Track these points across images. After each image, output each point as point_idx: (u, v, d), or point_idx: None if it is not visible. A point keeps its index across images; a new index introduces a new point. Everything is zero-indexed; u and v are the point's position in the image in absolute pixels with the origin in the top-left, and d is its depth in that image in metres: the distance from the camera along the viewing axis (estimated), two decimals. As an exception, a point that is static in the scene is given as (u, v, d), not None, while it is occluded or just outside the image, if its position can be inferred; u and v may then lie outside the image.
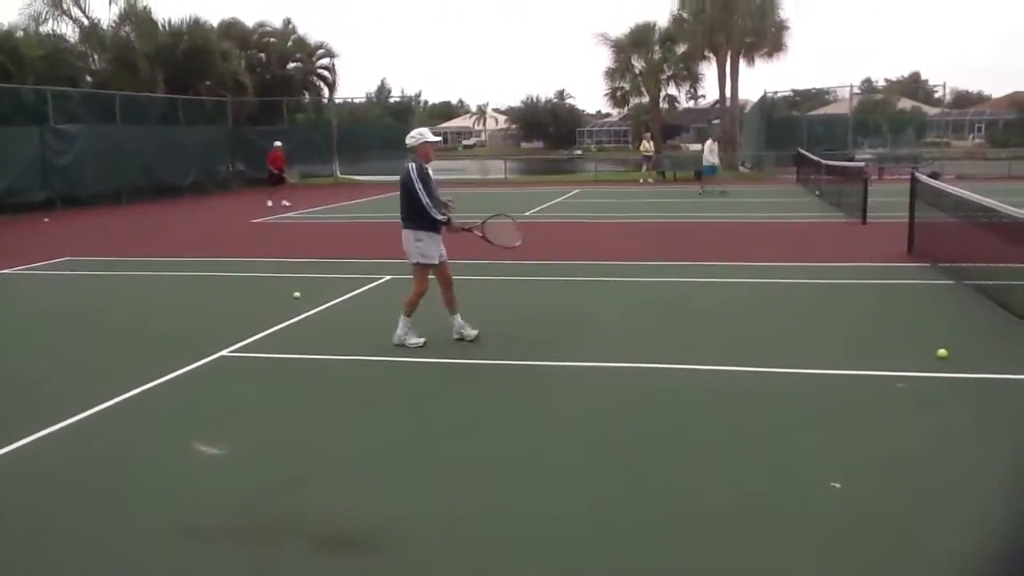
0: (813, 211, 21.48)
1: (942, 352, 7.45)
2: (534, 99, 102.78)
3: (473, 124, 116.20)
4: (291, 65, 45.48)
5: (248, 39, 43.39)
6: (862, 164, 22.40)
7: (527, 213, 21.99)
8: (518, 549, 4.39)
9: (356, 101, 51.74)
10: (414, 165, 8.11)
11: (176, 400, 6.99)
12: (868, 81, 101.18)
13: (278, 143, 26.81)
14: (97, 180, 26.94)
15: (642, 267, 13.02)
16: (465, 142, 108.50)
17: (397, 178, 8.38)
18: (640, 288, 11.59)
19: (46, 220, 22.56)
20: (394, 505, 4.90)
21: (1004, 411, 6.37)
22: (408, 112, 55.89)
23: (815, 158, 26.69)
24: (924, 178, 14.29)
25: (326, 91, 46.86)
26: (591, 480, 5.21)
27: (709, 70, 46.19)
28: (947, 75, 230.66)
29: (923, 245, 13.02)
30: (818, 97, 57.15)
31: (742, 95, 45.07)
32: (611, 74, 50.91)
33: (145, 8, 34.55)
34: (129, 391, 6.99)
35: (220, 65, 36.42)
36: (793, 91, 49.26)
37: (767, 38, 40.99)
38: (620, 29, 64.92)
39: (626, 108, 58.70)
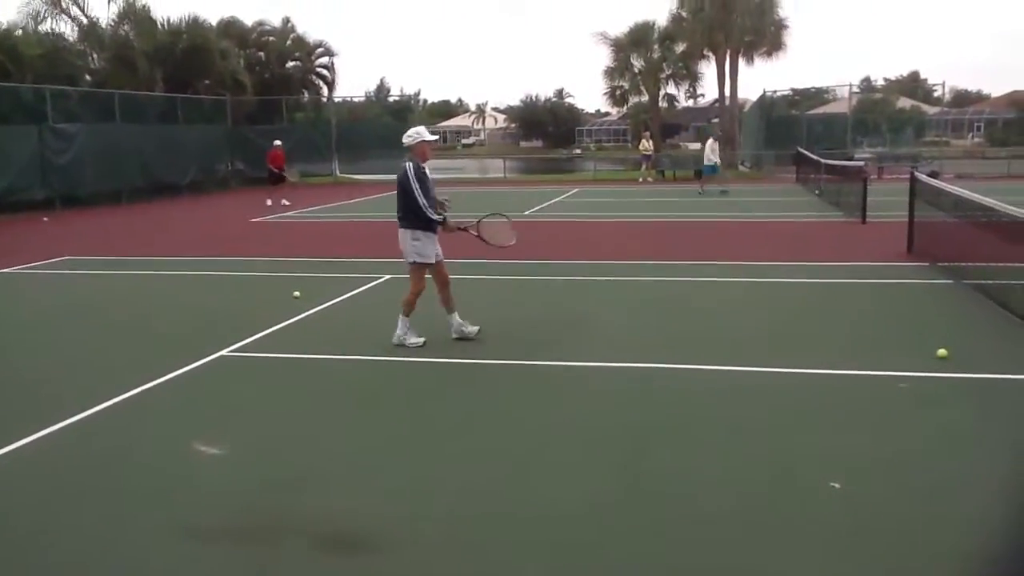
0: (813, 210, 21.47)
1: (942, 352, 7.45)
2: (533, 98, 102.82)
3: (472, 123, 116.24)
4: (290, 64, 45.45)
5: (247, 38, 43.36)
6: (861, 163, 22.39)
7: (526, 212, 21.99)
8: (518, 549, 4.39)
9: (355, 100, 51.79)
10: (411, 165, 8.12)
11: (176, 400, 6.99)
12: (867, 80, 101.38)
13: (278, 142, 26.81)
14: (96, 179, 26.91)
15: (642, 266, 13.01)
16: (464, 141, 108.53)
17: (396, 177, 8.39)
18: (640, 287, 11.59)
19: (45, 219, 22.54)
20: (394, 505, 4.89)
21: (1004, 411, 6.37)
22: (407, 111, 55.90)
23: (814, 157, 26.69)
24: (923, 177, 14.29)
25: (325, 90, 46.87)
26: (591, 480, 5.21)
27: (708, 69, 46.21)
28: (946, 74, 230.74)
29: (923, 244, 13.03)
30: (817, 96, 57.19)
31: (741, 94, 45.09)
32: (610, 73, 50.95)
33: (144, 7, 34.56)
34: (129, 391, 6.99)
35: (219, 64, 36.40)
36: (792, 90, 49.39)
37: (766, 37, 40.97)
38: (619, 28, 65.02)
39: (625, 107, 58.71)
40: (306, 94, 45.97)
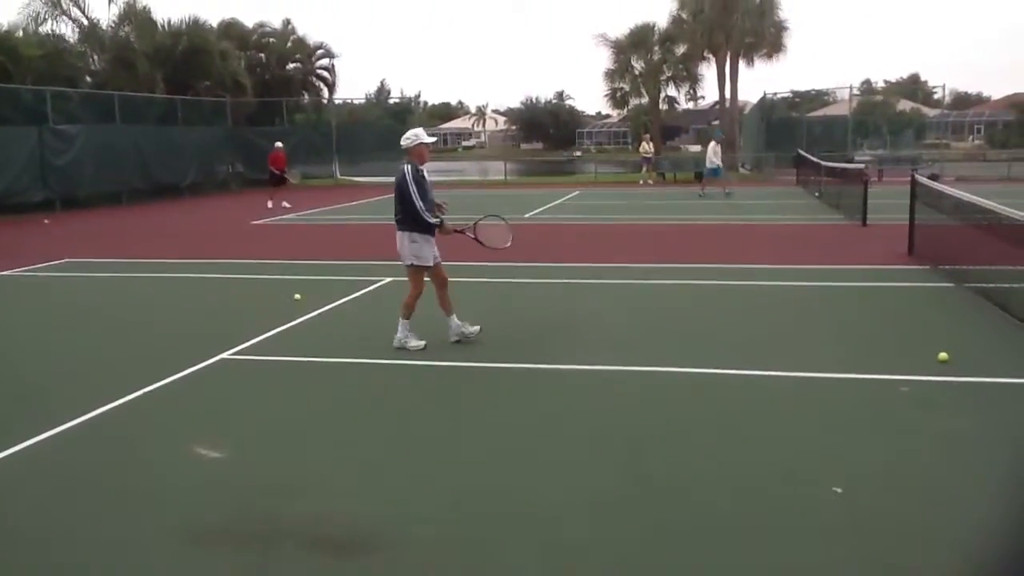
0: (813, 213, 21.47)
1: (943, 356, 7.44)
2: (534, 100, 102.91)
3: (473, 125, 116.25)
4: (290, 66, 45.47)
5: (247, 39, 43.37)
6: (861, 166, 22.40)
7: (527, 215, 21.99)
8: (516, 550, 4.38)
9: (356, 102, 51.81)
10: (410, 167, 8.14)
11: (177, 403, 6.98)
12: (867, 82, 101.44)
13: (279, 144, 26.83)
14: (96, 181, 26.94)
15: (643, 269, 13.00)
16: (465, 143, 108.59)
17: (394, 180, 8.41)
18: (641, 291, 11.58)
19: (46, 221, 22.53)
20: (394, 508, 4.89)
21: (1005, 415, 6.36)
22: (407, 113, 56.00)
23: (814, 159, 26.70)
24: (924, 180, 14.28)
25: (325, 92, 46.91)
26: (590, 481, 5.21)
27: (708, 71, 46.22)
28: (946, 76, 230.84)
29: (923, 247, 13.02)
30: (817, 98, 57.20)
31: (741, 96, 45.15)
32: (610, 75, 50.86)
33: (144, 8, 34.57)
34: (130, 394, 6.98)
35: (219, 65, 36.40)
36: (792, 92, 49.24)
37: (766, 39, 41.00)
38: (619, 30, 64.94)
39: (626, 109, 58.52)
40: (306, 96, 46.00)
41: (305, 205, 25.74)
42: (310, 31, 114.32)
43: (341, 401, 7.02)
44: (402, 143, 8.26)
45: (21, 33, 31.03)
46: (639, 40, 48.61)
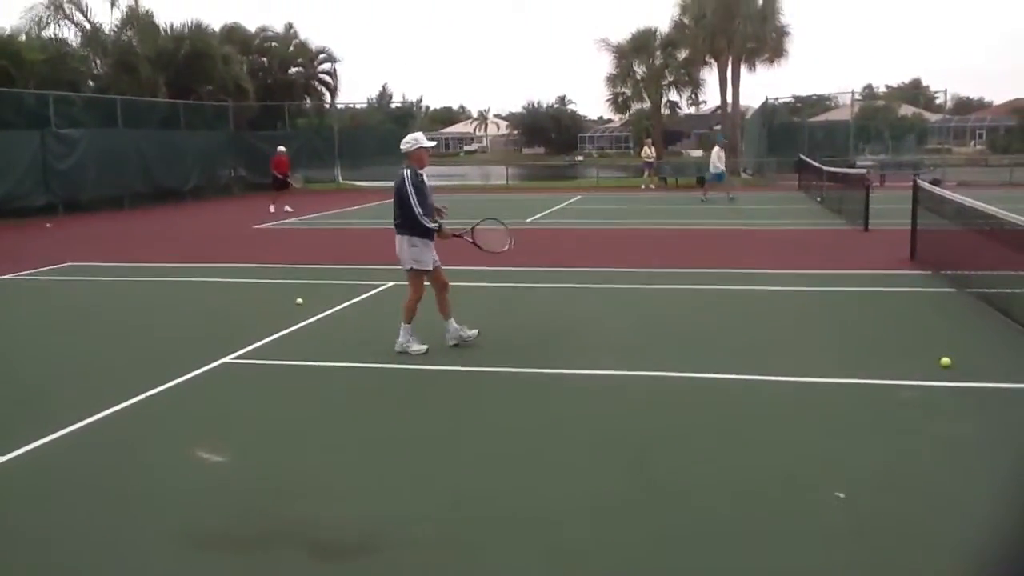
0: (815, 218, 21.48)
1: (945, 361, 7.44)
2: (535, 105, 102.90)
3: (474, 130, 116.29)
4: (293, 70, 45.54)
5: (250, 44, 43.45)
6: (863, 171, 22.40)
7: (529, 219, 21.99)
8: (517, 553, 4.38)
9: (358, 106, 51.85)
10: (409, 172, 8.16)
11: (179, 406, 6.99)
12: (869, 87, 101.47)
13: (282, 148, 26.86)
14: (99, 185, 26.97)
15: (645, 274, 13.01)
16: (466, 148, 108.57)
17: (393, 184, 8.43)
18: (643, 295, 11.58)
19: (48, 225, 22.55)
20: (394, 510, 4.89)
21: (1007, 419, 6.36)
22: (409, 117, 55.83)
23: (816, 164, 26.71)
24: (926, 185, 14.29)
25: (327, 96, 46.99)
26: (591, 484, 5.21)
27: (710, 76, 46.33)
28: (948, 81, 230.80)
29: (925, 252, 13.02)
30: (819, 103, 57.33)
31: (743, 101, 45.20)
32: (612, 80, 50.94)
33: (147, 12, 34.66)
34: (133, 397, 6.99)
35: (221, 69, 36.46)
36: (794, 97, 49.41)
37: (768, 44, 41.08)
38: (621, 35, 65.09)
39: (627, 114, 58.71)
40: (308, 100, 46.06)
41: (307, 209, 25.76)
42: (312, 35, 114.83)
43: (342, 405, 7.02)
44: (402, 147, 8.28)
45: (24, 37, 31.10)
46: (641, 45, 48.68)
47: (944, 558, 4.30)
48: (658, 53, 48.93)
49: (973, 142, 75.02)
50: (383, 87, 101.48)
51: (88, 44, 33.39)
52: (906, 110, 79.14)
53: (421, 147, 8.24)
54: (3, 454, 5.79)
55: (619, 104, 53.24)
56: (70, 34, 32.99)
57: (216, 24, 42.37)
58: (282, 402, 7.09)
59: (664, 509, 4.92)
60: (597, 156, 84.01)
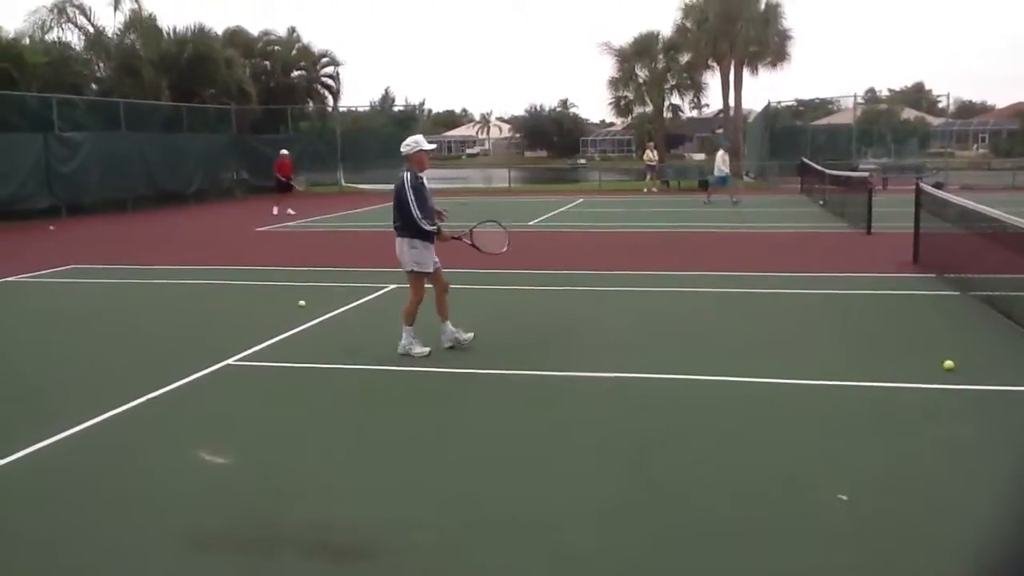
0: (817, 221, 21.47)
1: (948, 364, 7.43)
2: (538, 108, 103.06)
3: (477, 133, 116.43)
4: (295, 73, 45.53)
5: (252, 47, 43.46)
6: (866, 174, 22.39)
7: (532, 223, 22.01)
8: (518, 556, 4.38)
9: (360, 110, 51.76)
10: (408, 175, 8.17)
11: (182, 408, 6.99)
12: (871, 91, 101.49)
13: (285, 151, 26.92)
14: (101, 187, 27.00)
15: (647, 276, 13.01)
16: (469, 151, 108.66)
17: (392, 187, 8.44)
18: (645, 297, 11.58)
19: (51, 228, 22.58)
20: (395, 513, 4.89)
21: (1010, 423, 6.35)
22: (412, 120, 56.05)
23: (819, 168, 26.70)
24: (928, 188, 14.28)
25: (330, 99, 46.98)
26: (593, 487, 5.21)
27: (713, 79, 46.38)
28: (951, 85, 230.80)
29: (928, 255, 13.01)
30: (821, 107, 57.22)
31: (745, 105, 45.26)
32: (615, 83, 50.98)
33: (150, 16, 34.69)
34: (136, 399, 6.99)
35: (224, 73, 36.47)
36: (796, 101, 49.29)
37: (770, 47, 41.12)
38: (624, 38, 65.10)
39: (630, 117, 58.74)
40: (311, 103, 46.07)
41: (309, 212, 25.78)
42: (315, 39, 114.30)
43: (344, 407, 7.02)
44: (402, 150, 8.29)
45: (27, 40, 31.13)
46: (643, 49, 48.71)
47: (945, 560, 4.29)
48: (660, 56, 48.96)
49: (976, 146, 75.02)
50: (386, 90, 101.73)
51: (91, 47, 33.42)
52: (909, 114, 79.15)
53: (421, 150, 8.25)
54: (5, 456, 5.79)
55: (621, 107, 53.27)
56: (73, 37, 33.06)
57: (219, 28, 42.35)
58: (284, 404, 7.09)
59: (665, 511, 4.91)
60: (599, 159, 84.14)
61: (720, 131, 46.25)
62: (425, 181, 8.33)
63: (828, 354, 8.32)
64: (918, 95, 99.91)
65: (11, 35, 30.67)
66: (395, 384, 7.64)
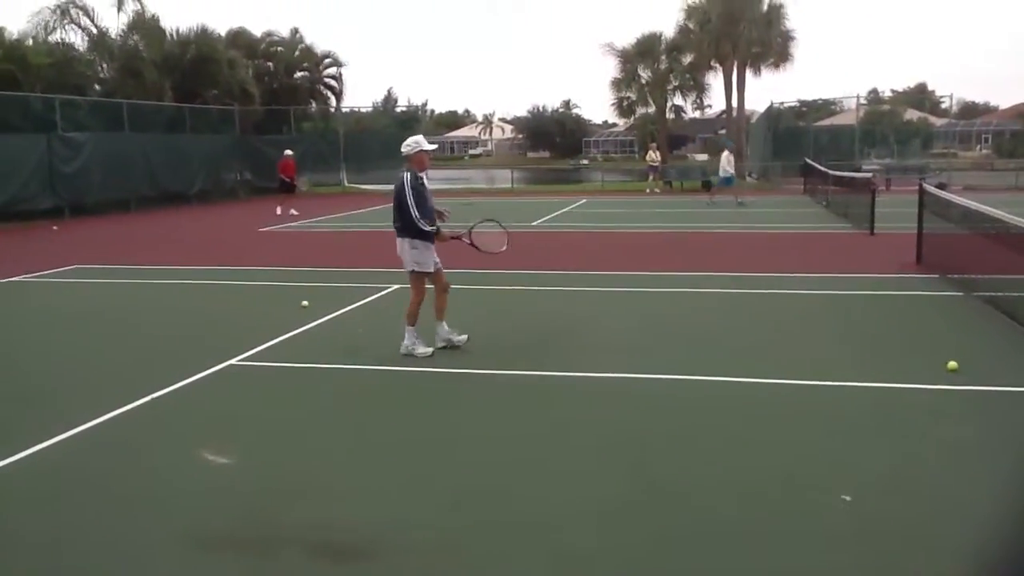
0: (821, 222, 21.46)
1: (952, 364, 7.42)
2: (540, 109, 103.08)
3: (479, 133, 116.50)
4: (298, 74, 45.58)
5: (255, 48, 43.49)
6: (869, 175, 22.38)
7: (535, 223, 22.01)
8: (518, 557, 4.38)
9: (363, 110, 51.83)
10: (408, 175, 8.19)
11: (186, 408, 7.00)
12: (874, 92, 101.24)
13: (289, 151, 26.97)
14: (104, 188, 27.05)
15: (649, 277, 13.01)
16: (471, 151, 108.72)
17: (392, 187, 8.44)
18: (648, 298, 11.57)
19: (55, 228, 22.62)
20: (395, 513, 4.89)
21: (1014, 424, 6.34)
22: (414, 121, 56.07)
23: (822, 168, 26.68)
24: (932, 189, 14.27)
25: (333, 100, 47.02)
26: (594, 488, 5.20)
27: (715, 80, 46.41)
28: (954, 86, 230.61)
29: (931, 256, 13.00)
30: (824, 107, 57.26)
31: (748, 105, 45.29)
32: (617, 84, 51.02)
33: (153, 17, 34.72)
34: (139, 399, 7.00)
35: (227, 74, 36.50)
36: (799, 101, 49.34)
37: (773, 48, 41.12)
38: (627, 39, 65.09)
39: (632, 118, 58.76)
40: (314, 104, 46.12)
41: (312, 213, 25.80)
42: (318, 40, 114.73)
43: (347, 407, 7.03)
44: (402, 150, 8.31)
45: (31, 41, 31.17)
46: (646, 49, 48.74)
47: (946, 560, 4.28)
48: (663, 57, 48.99)
49: (979, 146, 74.95)
50: (388, 91, 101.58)
51: (94, 48, 33.45)
52: (911, 114, 78.98)
53: (422, 150, 8.26)
54: (9, 455, 5.80)
55: (624, 108, 53.30)
56: (77, 38, 33.10)
57: (222, 29, 42.41)
58: (287, 404, 7.10)
59: (669, 511, 4.91)
60: (602, 160, 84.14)
61: (723, 132, 46.23)
62: (426, 181, 8.34)
63: (831, 355, 8.31)
64: (921, 96, 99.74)
65: (15, 36, 30.73)
66: (397, 384, 7.64)
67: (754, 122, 46.00)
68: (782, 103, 42.08)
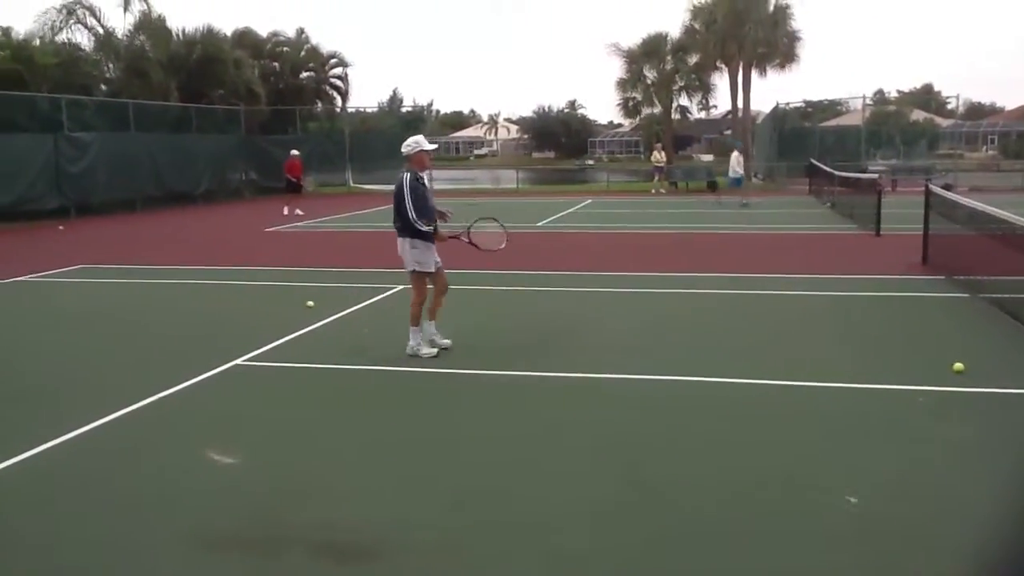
0: (826, 222, 21.42)
1: (958, 366, 7.41)
2: (546, 109, 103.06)
3: (485, 133, 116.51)
4: (304, 74, 45.64)
5: (261, 48, 43.56)
6: (875, 175, 22.34)
7: (539, 223, 22.01)
8: (517, 557, 4.38)
9: (368, 110, 51.87)
10: (408, 176, 8.19)
11: (191, 408, 7.01)
12: (880, 92, 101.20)
13: (295, 152, 27.00)
14: (110, 188, 27.11)
15: (653, 278, 13.00)
16: (477, 151, 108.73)
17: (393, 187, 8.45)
18: (652, 299, 11.57)
19: (61, 228, 22.67)
20: (397, 514, 4.90)
21: (1018, 426, 6.32)
22: (420, 121, 56.17)
23: (827, 169, 26.64)
24: (938, 190, 14.24)
25: (339, 100, 47.07)
26: (592, 489, 5.21)
27: (721, 81, 46.20)
28: (960, 86, 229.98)
29: (937, 257, 12.97)
30: (830, 108, 57.14)
31: (754, 106, 45.05)
32: (623, 84, 50.88)
33: (159, 17, 34.76)
34: (145, 399, 7.01)
35: (233, 74, 36.56)
36: (805, 102, 49.27)
37: (779, 48, 40.93)
38: (632, 40, 64.97)
39: (638, 118, 58.58)
40: (320, 104, 46.17)
41: (318, 213, 25.83)
42: (324, 40, 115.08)
43: (351, 407, 7.04)
44: (403, 150, 8.31)
45: (37, 42, 31.23)
46: (652, 50, 48.63)
47: (947, 561, 4.28)
48: (669, 58, 48.85)
49: (985, 147, 74.76)
50: (394, 91, 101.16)
51: (101, 48, 33.51)
52: (918, 115, 78.91)
53: (422, 150, 8.26)
54: (14, 455, 5.82)
55: (629, 109, 53.15)
56: (83, 38, 33.13)
57: (228, 29, 42.55)
58: (292, 404, 7.11)
59: (665, 512, 4.91)
60: (607, 160, 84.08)
61: (728, 132, 46.16)
62: (426, 182, 8.34)
63: (836, 355, 8.30)
64: (927, 96, 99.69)
65: (21, 36, 30.81)
66: (402, 385, 7.65)
67: (760, 123, 45.93)
68: (788, 104, 42.14)
